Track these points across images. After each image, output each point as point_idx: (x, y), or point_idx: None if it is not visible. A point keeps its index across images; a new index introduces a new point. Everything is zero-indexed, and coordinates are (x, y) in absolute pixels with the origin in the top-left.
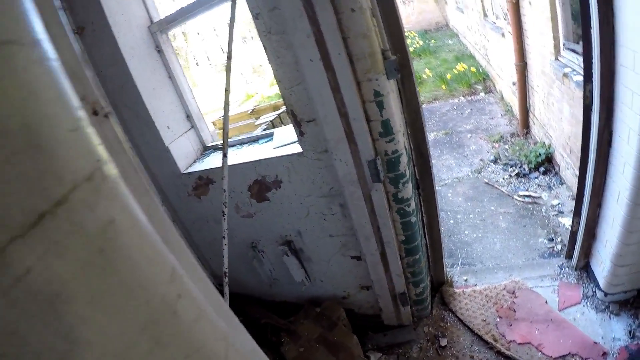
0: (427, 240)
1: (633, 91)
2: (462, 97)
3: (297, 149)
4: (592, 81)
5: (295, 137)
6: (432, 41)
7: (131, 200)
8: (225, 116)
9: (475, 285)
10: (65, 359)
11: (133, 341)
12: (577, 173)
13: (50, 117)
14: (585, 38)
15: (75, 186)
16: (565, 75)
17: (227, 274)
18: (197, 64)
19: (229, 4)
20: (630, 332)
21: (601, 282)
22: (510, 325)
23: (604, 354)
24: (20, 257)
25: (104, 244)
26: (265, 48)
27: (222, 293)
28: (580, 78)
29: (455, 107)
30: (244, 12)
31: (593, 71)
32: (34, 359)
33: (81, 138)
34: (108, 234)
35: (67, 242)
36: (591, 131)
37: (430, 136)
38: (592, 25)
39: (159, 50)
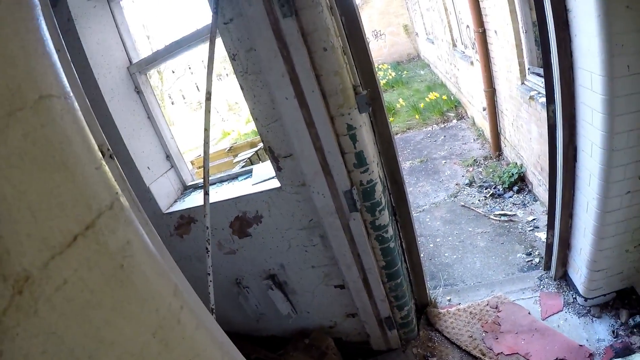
0: (408, 264)
1: (592, 108)
2: (435, 125)
3: (275, 184)
4: (554, 102)
5: (273, 173)
6: (405, 72)
7: (140, 227)
8: (206, 154)
9: (459, 304)
10: (94, 356)
11: (146, 343)
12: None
13: (81, 157)
14: (545, 63)
15: (100, 213)
16: (531, 97)
17: (214, 310)
18: (172, 102)
19: (207, 44)
20: (613, 332)
21: (580, 288)
22: (497, 338)
23: (591, 355)
24: (59, 270)
25: (124, 260)
26: (242, 87)
27: None
28: (545, 100)
29: (429, 135)
30: (219, 50)
31: (555, 93)
32: (69, 356)
33: (103, 174)
34: (126, 253)
35: (95, 259)
36: (557, 148)
37: (406, 164)
38: (551, 51)
39: (138, 91)
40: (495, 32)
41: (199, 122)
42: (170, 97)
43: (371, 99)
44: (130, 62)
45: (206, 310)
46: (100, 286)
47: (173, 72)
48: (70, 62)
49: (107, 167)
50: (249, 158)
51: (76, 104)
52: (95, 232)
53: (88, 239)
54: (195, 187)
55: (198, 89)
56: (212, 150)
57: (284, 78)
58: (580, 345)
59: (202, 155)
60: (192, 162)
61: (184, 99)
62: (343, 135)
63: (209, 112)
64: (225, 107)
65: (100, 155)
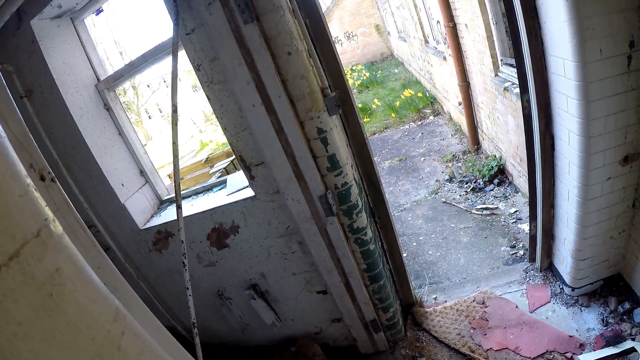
0: (390, 265)
1: (567, 95)
2: (412, 123)
3: (249, 193)
4: (528, 91)
5: (247, 182)
6: (379, 72)
7: (75, 252)
8: (176, 167)
9: (445, 301)
10: None
11: None
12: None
13: (2, 185)
14: (517, 53)
15: (25, 242)
16: (506, 89)
17: (196, 325)
18: (149, 117)
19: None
20: (603, 320)
21: (566, 278)
22: (485, 334)
23: (581, 345)
24: None
25: (52, 289)
26: (208, 98)
27: (194, 345)
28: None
29: (406, 133)
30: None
31: (528, 82)
32: None
33: (29, 201)
34: (55, 281)
35: (21, 289)
36: (534, 138)
37: (385, 164)
38: (521, 40)
39: (108, 108)
40: (466, 25)
41: (178, 134)
42: (147, 112)
43: (341, 100)
44: (98, 79)
45: (163, 332)
46: (27, 317)
47: (148, 86)
48: (4, 86)
49: (35, 194)
50: (224, 168)
51: (0, 132)
52: (19, 261)
53: (12, 270)
54: (171, 201)
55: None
56: (189, 162)
57: (250, 85)
58: (570, 336)
59: (175, 167)
60: (169, 176)
61: (161, 112)
62: (314, 139)
63: (176, 124)
64: (202, 118)
65: (27, 182)
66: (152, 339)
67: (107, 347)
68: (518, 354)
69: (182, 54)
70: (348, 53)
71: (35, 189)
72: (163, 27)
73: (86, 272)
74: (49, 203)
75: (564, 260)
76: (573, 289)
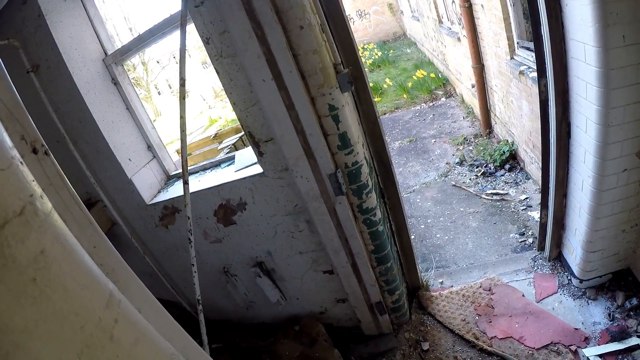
0: (398, 247)
1: (586, 82)
2: (423, 104)
3: (258, 169)
4: (546, 76)
5: (255, 159)
6: (391, 51)
7: (64, 231)
8: (183, 143)
9: (452, 286)
10: None
11: None
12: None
13: None
14: (535, 35)
15: (6, 221)
16: (521, 72)
17: (201, 302)
18: (159, 92)
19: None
20: (609, 314)
21: (575, 269)
22: (490, 321)
23: (586, 339)
24: None
25: (36, 273)
26: (218, 72)
27: (198, 321)
28: (536, 74)
29: (417, 114)
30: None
31: (546, 66)
32: None
33: (13, 176)
34: (40, 264)
35: (0, 274)
36: (550, 125)
37: (395, 144)
38: (541, 22)
39: (115, 83)
40: (482, 5)
41: (187, 110)
42: (156, 88)
43: (354, 77)
44: (106, 53)
45: (163, 314)
46: (8, 306)
47: (158, 62)
48: None
49: (21, 168)
50: (233, 144)
51: None
52: None
53: None
54: (179, 177)
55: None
56: (198, 138)
57: (260, 59)
58: (576, 329)
59: (182, 142)
60: (177, 152)
61: (171, 88)
62: (325, 116)
63: (184, 98)
64: (211, 94)
65: (12, 155)
66: (150, 325)
67: (98, 336)
68: (522, 343)
69: (192, 29)
70: (360, 31)
71: (21, 162)
72: (173, 1)
73: (76, 254)
74: (42, 177)
75: (574, 251)
76: (581, 281)
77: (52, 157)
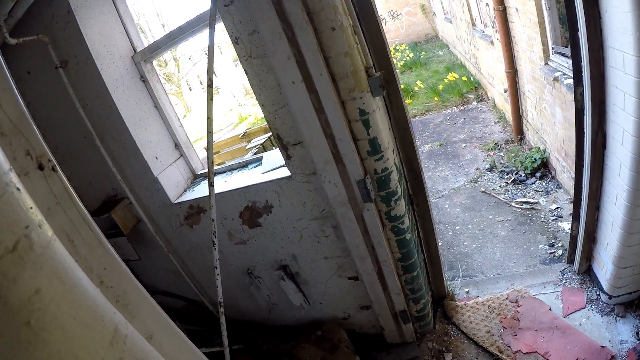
0: (425, 255)
1: (624, 92)
2: (454, 107)
3: (285, 172)
4: (582, 84)
5: (282, 161)
6: (423, 53)
7: (65, 264)
8: (209, 144)
9: (478, 296)
10: None
11: None
12: (574, 176)
13: None
14: (573, 42)
15: None
16: (555, 79)
17: (222, 304)
18: (190, 88)
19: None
20: (637, 333)
21: (605, 285)
22: (515, 335)
23: (612, 357)
24: None
25: (31, 316)
26: (246, 72)
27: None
28: (571, 81)
29: (448, 118)
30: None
31: (583, 74)
32: None
33: (5, 206)
34: (34, 305)
35: None
36: (585, 134)
37: (425, 148)
38: (579, 29)
39: (144, 80)
40: (517, 9)
41: (216, 107)
42: (187, 84)
43: (385, 81)
44: (135, 50)
45: (178, 336)
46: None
47: (190, 58)
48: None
49: (16, 195)
50: (261, 144)
51: None
52: None
53: None
54: (205, 176)
55: (215, 74)
56: (226, 135)
57: (290, 61)
58: (602, 347)
59: (209, 144)
60: (205, 149)
61: (202, 84)
62: (355, 120)
63: (211, 99)
64: (242, 91)
65: (7, 181)
66: (160, 357)
67: None
68: (547, 359)
69: (222, 27)
70: (392, 32)
71: (18, 189)
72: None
73: (78, 289)
74: (48, 195)
75: (604, 266)
76: (610, 297)
77: (59, 173)
